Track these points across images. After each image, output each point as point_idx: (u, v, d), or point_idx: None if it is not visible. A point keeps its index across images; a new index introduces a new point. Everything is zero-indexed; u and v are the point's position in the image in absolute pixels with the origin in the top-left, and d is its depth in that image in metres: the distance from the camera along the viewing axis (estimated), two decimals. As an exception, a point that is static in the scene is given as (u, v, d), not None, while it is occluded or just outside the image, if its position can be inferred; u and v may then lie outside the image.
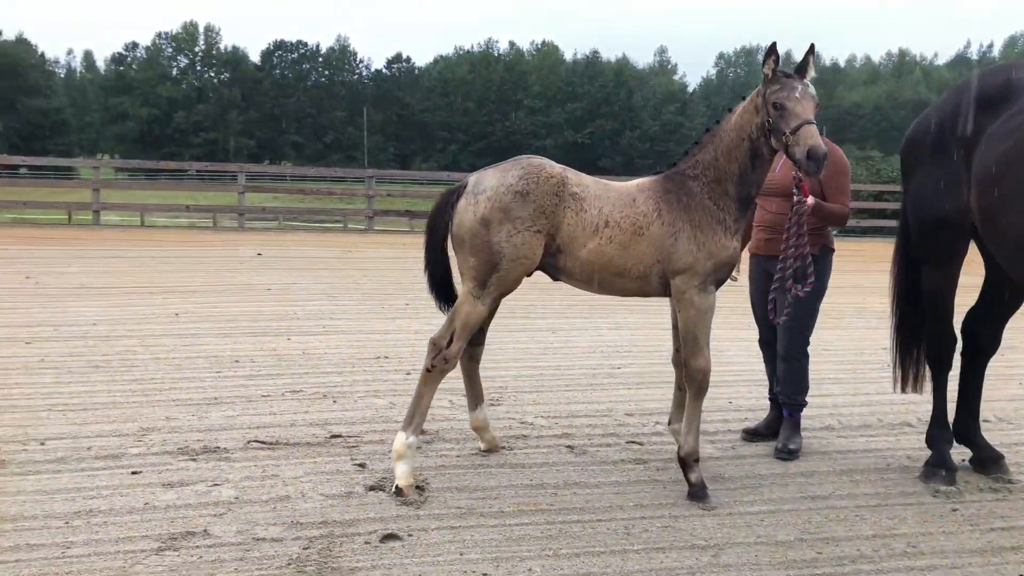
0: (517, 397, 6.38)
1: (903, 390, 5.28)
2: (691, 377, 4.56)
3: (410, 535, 4.00)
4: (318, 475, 4.66)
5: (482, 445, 5.15)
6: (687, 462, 4.61)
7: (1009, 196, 4.23)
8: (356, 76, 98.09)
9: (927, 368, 5.14)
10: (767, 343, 5.54)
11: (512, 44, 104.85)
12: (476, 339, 4.88)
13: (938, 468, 4.93)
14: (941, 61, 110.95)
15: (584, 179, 4.56)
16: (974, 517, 4.49)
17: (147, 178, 48.16)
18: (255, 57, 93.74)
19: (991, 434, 5.85)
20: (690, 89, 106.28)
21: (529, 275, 4.53)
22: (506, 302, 4.79)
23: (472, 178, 4.54)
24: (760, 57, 5.35)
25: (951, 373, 5.13)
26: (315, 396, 6.15)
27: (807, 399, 5.46)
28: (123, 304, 9.45)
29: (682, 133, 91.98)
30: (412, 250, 16.48)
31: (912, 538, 4.21)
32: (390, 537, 3.97)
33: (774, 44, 4.35)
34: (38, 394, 5.92)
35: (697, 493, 4.55)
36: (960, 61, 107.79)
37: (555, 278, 4.70)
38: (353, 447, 5.12)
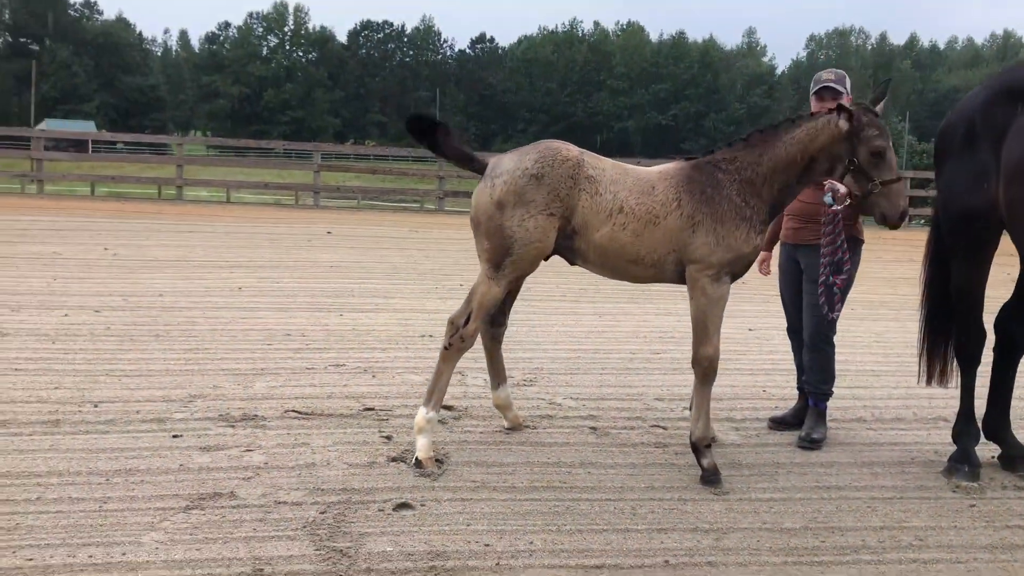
0: (551, 379, 6.51)
1: (928, 383, 5.24)
2: (698, 363, 4.63)
3: (423, 505, 4.19)
4: (345, 445, 4.89)
5: (505, 423, 5.29)
6: (698, 447, 4.68)
7: (1026, 193, 4.17)
8: (440, 56, 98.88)
9: (954, 363, 5.08)
10: (795, 331, 5.54)
11: (597, 24, 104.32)
12: (497, 320, 5.02)
13: (961, 464, 4.88)
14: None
15: (603, 163, 4.59)
16: (991, 514, 4.45)
17: (236, 155, 49.74)
18: (342, 37, 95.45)
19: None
20: (779, 72, 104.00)
21: (547, 259, 4.63)
22: (555, 286, 4.93)
23: (492, 160, 4.62)
24: (854, 40, 5.34)
25: (980, 368, 5.06)
26: (356, 370, 6.41)
27: (833, 388, 5.45)
28: (191, 277, 9.92)
29: (769, 116, 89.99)
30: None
31: (921, 531, 4.21)
32: (403, 506, 4.16)
33: (889, 80, 4.41)
34: (99, 359, 6.32)
35: (709, 478, 4.62)
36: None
37: (571, 262, 4.74)
38: (383, 420, 5.34)
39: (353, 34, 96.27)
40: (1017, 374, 5.16)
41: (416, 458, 4.63)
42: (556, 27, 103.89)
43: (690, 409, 5.13)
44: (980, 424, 5.13)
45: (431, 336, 7.64)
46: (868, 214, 4.73)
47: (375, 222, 18.34)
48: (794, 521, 4.25)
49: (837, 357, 5.43)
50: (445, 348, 4.71)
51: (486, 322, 4.89)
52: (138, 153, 46.58)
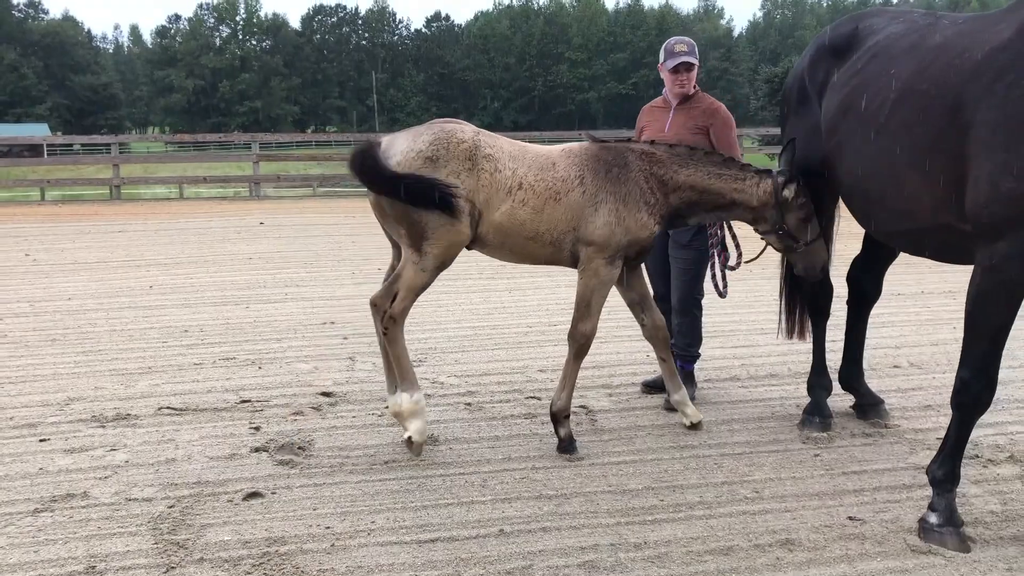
0: (440, 357, 6.59)
1: (789, 337, 5.36)
2: (574, 339, 4.65)
3: (273, 493, 4.25)
4: (211, 438, 4.94)
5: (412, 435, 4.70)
6: (557, 417, 4.75)
7: (842, 143, 4.27)
8: (396, 37, 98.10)
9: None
10: (661, 298, 5.61)
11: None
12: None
13: (812, 415, 5.02)
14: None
15: (499, 141, 4.53)
16: (833, 462, 4.59)
17: (195, 149, 49.20)
18: (295, 23, 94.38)
19: (897, 379, 5.93)
20: (736, 33, 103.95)
21: (469, 247, 4.55)
22: (474, 263, 4.86)
23: (385, 140, 4.46)
24: None
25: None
26: (245, 363, 6.45)
27: (700, 351, 5.57)
28: (104, 279, 9.88)
29: (728, 79, 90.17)
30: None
31: (759, 484, 4.33)
32: (253, 495, 4.22)
33: (792, 141, 4.55)
34: (-14, 368, 6.32)
35: (565, 447, 4.71)
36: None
37: (468, 247, 4.62)
38: (257, 411, 5.39)
39: (307, 20, 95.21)
40: (869, 326, 5.30)
41: (408, 438, 4.55)
42: (512, 1, 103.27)
43: (668, 397, 5.16)
44: (837, 375, 5.27)
45: (333, 323, 7.69)
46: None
47: (319, 210, 18.26)
48: (639, 482, 4.36)
49: (731, 317, 5.53)
50: (384, 333, 4.60)
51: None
52: (95, 154, 46.01)
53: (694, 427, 4.99)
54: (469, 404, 5.52)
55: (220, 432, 5.04)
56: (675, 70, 5.29)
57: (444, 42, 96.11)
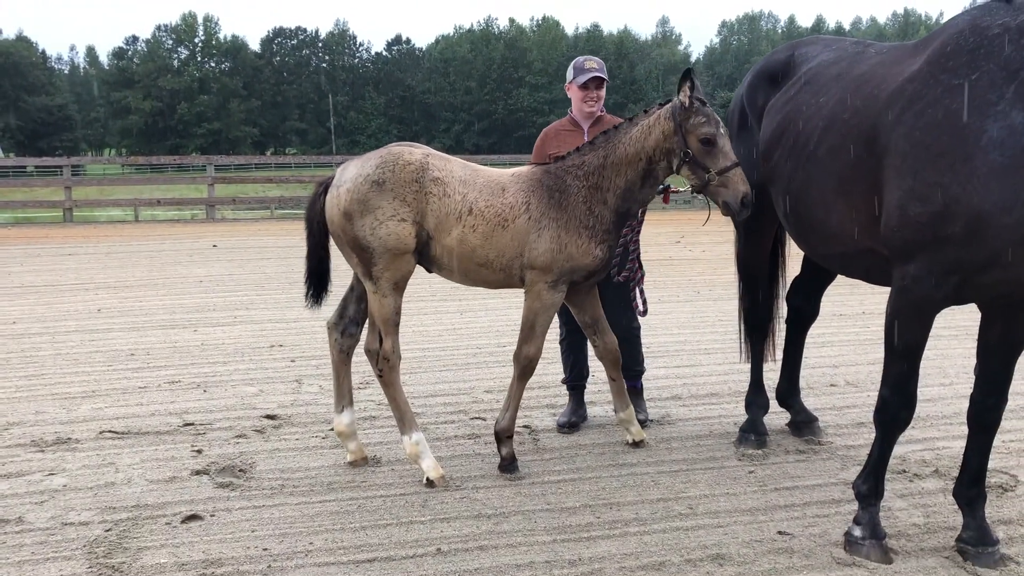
0: (364, 388, 6.61)
1: (748, 359, 5.45)
2: (518, 360, 4.69)
3: (212, 515, 4.25)
4: (153, 462, 4.92)
5: (347, 456, 4.91)
6: (500, 437, 4.79)
7: (777, 168, 4.42)
8: (357, 60, 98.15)
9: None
10: (572, 330, 5.60)
11: (512, 21, 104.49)
12: (349, 330, 4.89)
13: (748, 432, 5.14)
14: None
15: (451, 164, 4.55)
16: (766, 478, 4.70)
17: (153, 171, 48.68)
18: (255, 45, 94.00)
19: (832, 397, 6.08)
20: (693, 59, 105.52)
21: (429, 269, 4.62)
22: (426, 286, 4.88)
23: (339, 170, 4.59)
24: (764, 24, 5.21)
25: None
26: (190, 386, 6.42)
27: (644, 366, 5.69)
28: (51, 302, 9.77)
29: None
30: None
31: (694, 500, 4.42)
32: (192, 518, 4.22)
33: (689, 70, 4.30)
34: (-75, 394, 6.23)
35: (506, 466, 4.77)
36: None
37: (428, 270, 4.70)
38: (200, 434, 5.38)
39: (266, 42, 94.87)
40: (809, 345, 5.44)
41: (428, 479, 4.61)
42: (472, 25, 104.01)
43: (616, 413, 5.16)
44: (775, 392, 5.40)
45: (281, 346, 7.69)
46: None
47: (274, 232, 18.19)
48: (577, 500, 4.43)
49: (676, 337, 5.61)
50: (379, 377, 4.70)
51: (338, 332, 4.88)
52: (48, 176, 45.34)
53: (637, 444, 5.08)
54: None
55: (161, 455, 5.02)
56: (585, 85, 5.23)
57: (405, 65, 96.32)
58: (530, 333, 4.64)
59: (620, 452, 5.10)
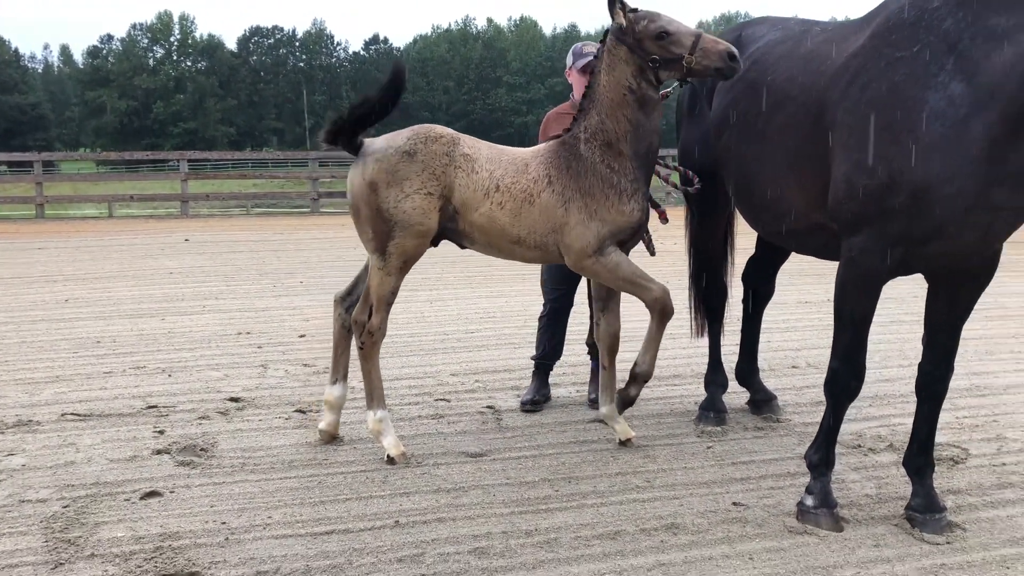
0: (353, 364, 6.56)
1: (699, 335, 5.52)
2: (652, 307, 4.46)
3: (172, 492, 4.25)
4: (114, 442, 4.92)
5: (321, 424, 4.95)
6: (638, 380, 4.61)
7: (727, 147, 4.48)
8: (334, 59, 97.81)
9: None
10: (559, 310, 5.67)
11: (490, 21, 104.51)
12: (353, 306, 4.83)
13: (708, 410, 5.20)
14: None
15: (478, 143, 4.51)
16: (724, 454, 4.76)
17: (128, 170, 48.21)
18: (231, 44, 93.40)
19: (794, 378, 6.16)
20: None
21: (435, 244, 4.55)
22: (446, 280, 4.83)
23: (367, 142, 4.48)
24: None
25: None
26: (155, 371, 6.41)
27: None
28: (18, 293, 9.70)
29: (665, 102, 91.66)
30: (345, 230, 16.73)
31: (652, 474, 4.48)
32: (151, 494, 4.22)
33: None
34: None
35: (625, 400, 4.65)
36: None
37: (461, 246, 4.65)
38: (163, 416, 5.37)
39: (243, 41, 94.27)
40: (774, 330, 5.51)
41: (388, 456, 4.62)
42: (450, 25, 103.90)
43: (598, 407, 5.07)
44: (734, 371, 5.47)
45: (248, 333, 7.68)
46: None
47: (248, 228, 18.11)
48: (537, 475, 4.47)
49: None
50: (360, 348, 4.67)
51: (343, 307, 4.85)
52: (21, 173, 44.82)
53: (624, 444, 4.85)
54: (378, 407, 5.57)
55: (123, 436, 5.01)
56: (584, 70, 5.29)
57: (382, 65, 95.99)
58: (634, 288, 4.42)
59: (582, 430, 5.15)
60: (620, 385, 4.81)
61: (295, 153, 45.83)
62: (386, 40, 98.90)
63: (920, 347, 3.99)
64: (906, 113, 3.40)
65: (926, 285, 3.93)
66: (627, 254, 4.50)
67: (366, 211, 4.36)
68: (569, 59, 5.49)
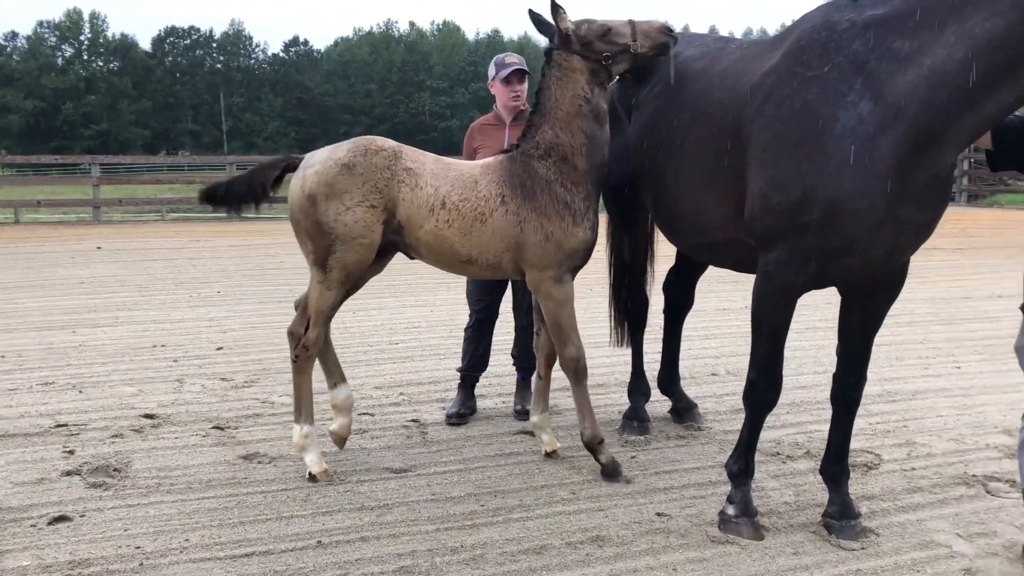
0: (275, 378, 6.51)
1: (619, 346, 5.56)
2: (566, 367, 4.52)
3: (82, 515, 4.09)
4: (19, 464, 4.71)
5: (332, 425, 4.86)
6: (592, 446, 4.58)
7: (646, 163, 4.53)
8: (253, 61, 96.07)
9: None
10: (485, 320, 5.67)
11: (412, 24, 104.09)
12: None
13: (631, 419, 5.26)
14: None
15: (423, 156, 4.41)
16: (647, 463, 4.81)
17: (36, 173, 46.30)
18: (146, 44, 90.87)
19: (714, 386, 6.28)
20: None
21: (386, 257, 4.46)
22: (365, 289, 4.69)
23: (308, 155, 4.42)
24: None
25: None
26: (65, 387, 6.17)
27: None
28: (-87, 305, 9.23)
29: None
30: (265, 236, 16.43)
31: (577, 486, 4.49)
32: (60, 519, 4.04)
33: (553, 2, 4.23)
34: None
35: (611, 472, 4.55)
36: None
37: (411, 257, 4.58)
38: (73, 435, 5.17)
39: (158, 41, 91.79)
40: (694, 338, 5.60)
41: (310, 473, 4.51)
42: (372, 28, 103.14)
43: (530, 418, 5.04)
44: (656, 380, 5.54)
45: (164, 346, 7.46)
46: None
47: (164, 234, 17.62)
48: (462, 489, 4.44)
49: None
50: (293, 361, 4.56)
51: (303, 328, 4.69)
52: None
53: (550, 455, 4.86)
54: (299, 421, 5.47)
55: (29, 457, 4.81)
56: (508, 80, 5.34)
57: (303, 67, 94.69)
58: (560, 334, 4.46)
59: (508, 442, 5.15)
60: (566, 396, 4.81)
61: (212, 157, 44.78)
62: (306, 42, 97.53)
63: (834, 354, 4.10)
64: (818, 131, 3.49)
65: (839, 296, 4.04)
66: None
67: (306, 224, 4.27)
68: (492, 70, 5.51)
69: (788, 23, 3.63)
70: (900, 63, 3.35)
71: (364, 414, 5.65)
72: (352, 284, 4.51)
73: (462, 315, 8.71)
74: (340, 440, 4.87)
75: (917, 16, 3.33)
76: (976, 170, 25.00)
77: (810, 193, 3.49)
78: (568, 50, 4.29)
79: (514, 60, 5.45)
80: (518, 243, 4.27)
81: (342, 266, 4.27)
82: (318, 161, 4.28)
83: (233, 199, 4.52)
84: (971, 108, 3.22)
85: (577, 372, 4.51)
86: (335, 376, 4.84)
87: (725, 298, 9.24)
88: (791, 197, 3.54)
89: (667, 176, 4.37)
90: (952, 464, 4.76)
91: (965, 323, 8.53)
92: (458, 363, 5.89)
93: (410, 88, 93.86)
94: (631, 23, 4.31)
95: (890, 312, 3.99)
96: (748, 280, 4.43)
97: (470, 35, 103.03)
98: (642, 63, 4.37)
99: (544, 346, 4.79)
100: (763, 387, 3.89)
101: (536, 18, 4.38)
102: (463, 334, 5.77)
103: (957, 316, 8.85)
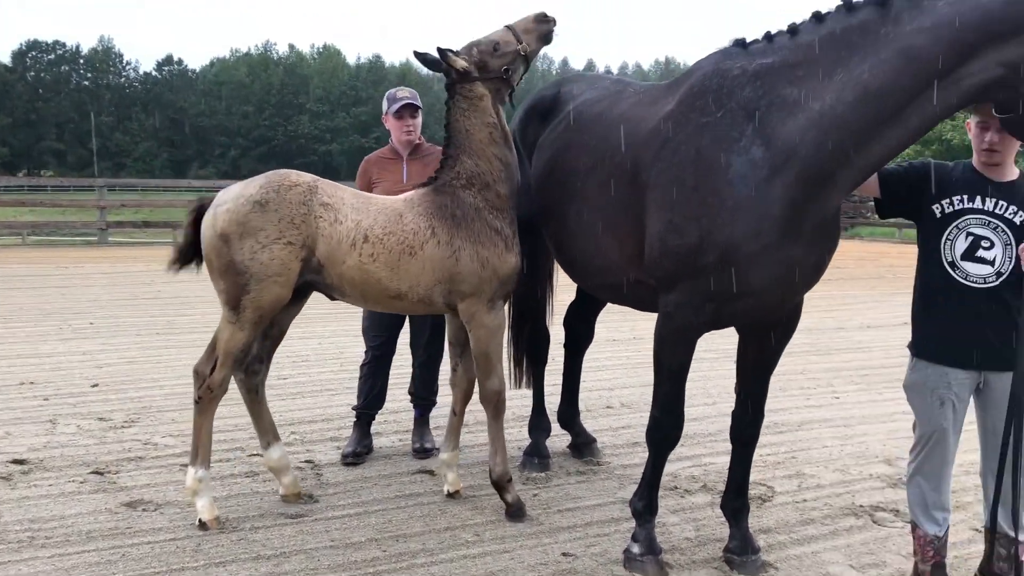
0: (156, 416, 6.20)
1: (517, 387, 5.55)
2: (487, 400, 4.47)
3: (-57, 576, 3.76)
4: None
5: (280, 490, 4.69)
6: (500, 485, 4.53)
7: (547, 204, 4.55)
8: (123, 79, 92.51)
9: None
10: (383, 356, 5.56)
11: (292, 47, 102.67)
12: (253, 367, 4.53)
13: (532, 456, 5.25)
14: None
15: (341, 191, 4.28)
16: (550, 500, 4.80)
17: None
18: (5, 58, 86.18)
19: (609, 419, 6.34)
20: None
21: (304, 297, 4.27)
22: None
23: (220, 192, 4.23)
24: (540, 64, 5.01)
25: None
26: (-80, 431, 5.69)
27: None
28: None
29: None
30: (139, 263, 15.73)
31: (481, 527, 4.43)
32: (-83, 581, 3.71)
33: (421, 55, 4.30)
34: None
35: (516, 512, 4.51)
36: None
37: (331, 298, 4.41)
38: (-69, 485, 4.76)
39: (18, 55, 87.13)
40: (586, 370, 5.64)
41: (200, 521, 4.24)
42: (250, 49, 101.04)
43: (439, 453, 4.94)
44: (556, 415, 5.55)
45: (32, 383, 6.99)
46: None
47: (23, 260, 16.61)
48: (363, 534, 4.31)
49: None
50: (196, 402, 4.30)
51: (242, 372, 4.51)
52: None
53: (452, 496, 4.79)
54: (184, 465, 5.18)
55: None
56: (399, 114, 5.30)
57: (176, 86, 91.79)
58: (488, 365, 4.40)
59: (408, 482, 5.03)
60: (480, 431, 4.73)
61: (80, 179, 42.56)
62: (180, 61, 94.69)
63: (724, 384, 4.18)
64: (713, 175, 3.57)
65: (736, 335, 4.15)
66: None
67: (218, 263, 4.08)
68: (384, 105, 5.47)
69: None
70: (789, 109, 3.48)
71: (255, 455, 5.42)
72: (266, 326, 4.35)
73: (352, 348, 8.60)
74: (296, 497, 4.68)
75: (805, 65, 3.47)
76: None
77: (707, 236, 3.56)
78: (470, 80, 4.29)
79: (406, 94, 5.42)
80: (452, 274, 4.21)
81: (256, 306, 4.09)
82: (230, 199, 4.10)
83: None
84: (859, 151, 3.38)
85: (498, 405, 4.48)
86: (268, 435, 4.63)
87: (614, 328, 9.37)
88: (688, 241, 3.61)
89: (568, 217, 4.39)
90: (840, 495, 4.94)
91: (840, 353, 8.94)
92: (351, 399, 5.75)
93: (289, 111, 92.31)
94: (509, 28, 4.34)
95: (734, 327, 4.10)
96: (635, 312, 4.51)
97: (351, 59, 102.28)
98: (533, 56, 4.39)
99: (461, 381, 4.72)
100: (666, 425, 3.94)
101: (423, 58, 4.34)
102: (359, 371, 5.64)
103: (832, 347, 9.28)
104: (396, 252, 4.15)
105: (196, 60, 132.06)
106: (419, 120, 5.46)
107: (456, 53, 4.30)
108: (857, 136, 3.33)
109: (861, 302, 12.66)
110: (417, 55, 4.37)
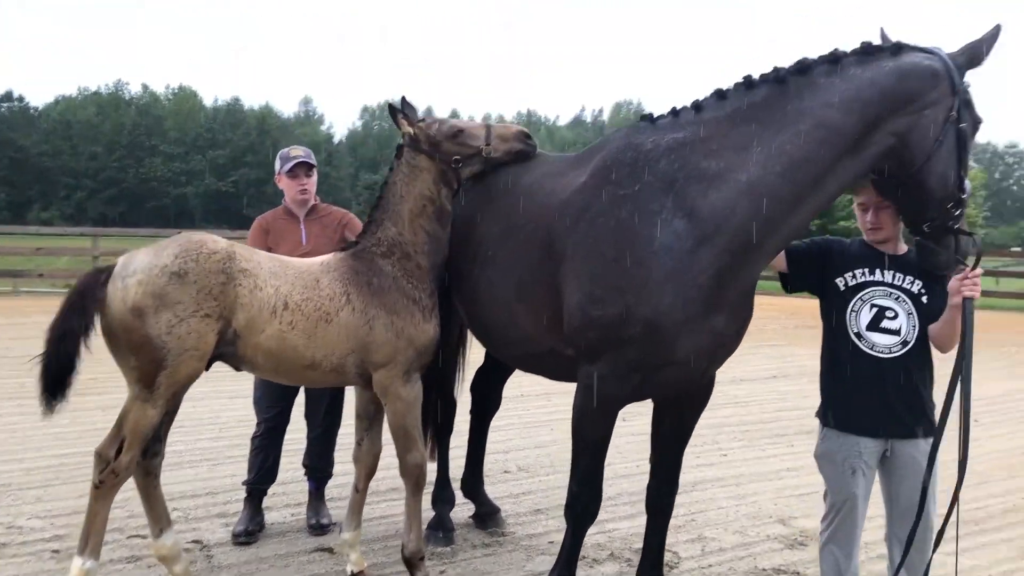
0: (18, 495, 5.68)
1: (430, 459, 5.36)
2: (408, 474, 4.27)
3: None
4: None
5: None
6: (412, 562, 4.32)
7: (459, 272, 4.49)
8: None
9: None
10: (275, 428, 5.31)
11: (145, 87, 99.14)
12: (152, 448, 4.09)
13: (436, 529, 5.08)
14: (562, 122, 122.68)
15: (257, 255, 4.06)
16: (458, 577, 4.66)
17: None
18: None
19: (508, 484, 6.26)
20: (336, 140, 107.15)
21: (208, 368, 3.94)
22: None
23: (122, 259, 3.83)
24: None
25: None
26: None
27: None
28: None
29: (330, 183, 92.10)
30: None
31: (388, 610, 4.24)
32: None
33: (391, 105, 4.21)
34: None
35: None
36: (577, 123, 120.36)
37: (237, 368, 4.10)
38: None
39: None
40: (487, 436, 5.55)
41: None
42: (100, 88, 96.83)
43: (340, 532, 4.68)
44: (460, 484, 5.42)
45: None
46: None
47: None
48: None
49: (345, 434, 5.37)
50: (96, 487, 3.82)
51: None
52: None
53: None
54: (57, 551, 4.78)
55: None
56: (293, 173, 5.17)
57: (16, 124, 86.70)
58: (406, 440, 4.23)
59: (306, 563, 4.78)
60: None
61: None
62: (22, 98, 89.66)
63: (617, 443, 4.15)
64: (635, 247, 3.61)
65: (652, 408, 4.18)
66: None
67: (129, 339, 3.72)
68: (277, 164, 5.33)
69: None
70: (710, 181, 3.57)
71: (135, 536, 5.03)
72: (178, 400, 4.06)
73: (228, 412, 8.21)
74: None
75: (717, 139, 3.59)
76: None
77: (632, 308, 3.57)
78: (416, 149, 4.23)
79: (299, 153, 5.29)
80: (366, 343, 4.05)
81: (172, 382, 3.78)
82: (141, 269, 3.76)
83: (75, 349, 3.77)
84: (787, 219, 3.50)
85: (419, 480, 4.32)
86: (162, 521, 4.22)
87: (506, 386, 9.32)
88: (612, 311, 3.62)
89: (481, 286, 4.34)
90: (743, 558, 5.02)
91: (720, 408, 9.16)
92: (235, 469, 5.45)
93: (141, 152, 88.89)
94: (487, 126, 4.33)
95: (653, 398, 4.14)
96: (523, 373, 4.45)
97: (208, 101, 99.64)
98: (497, 163, 4.33)
99: (366, 456, 4.54)
100: (585, 499, 3.91)
101: (391, 109, 4.25)
102: (250, 443, 5.35)
103: (712, 401, 9.50)
104: (313, 319, 3.98)
105: (39, 98, 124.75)
106: (314, 179, 5.33)
107: (410, 117, 4.25)
108: (786, 204, 3.47)
109: (735, 355, 13.10)
110: (391, 108, 4.25)
